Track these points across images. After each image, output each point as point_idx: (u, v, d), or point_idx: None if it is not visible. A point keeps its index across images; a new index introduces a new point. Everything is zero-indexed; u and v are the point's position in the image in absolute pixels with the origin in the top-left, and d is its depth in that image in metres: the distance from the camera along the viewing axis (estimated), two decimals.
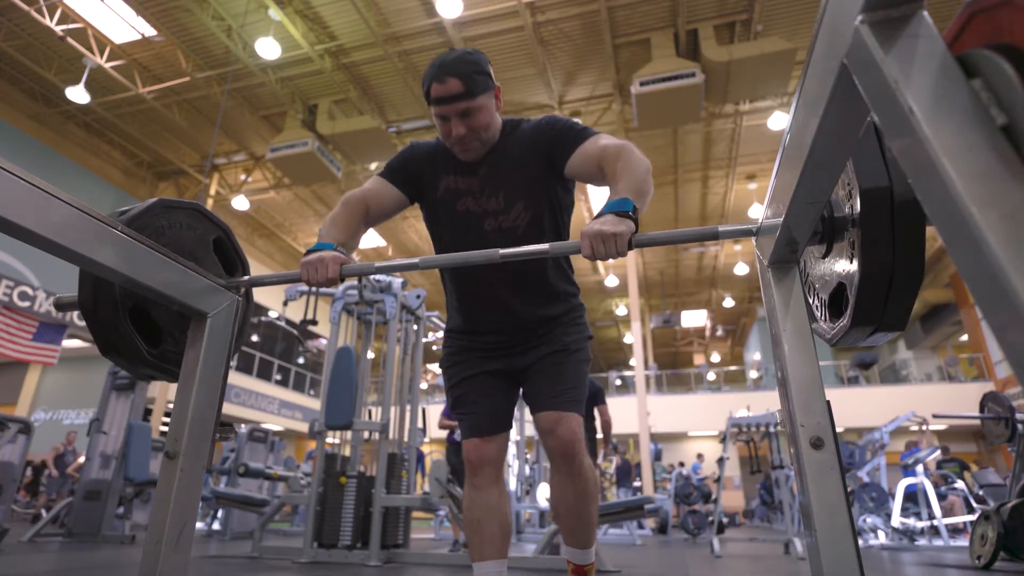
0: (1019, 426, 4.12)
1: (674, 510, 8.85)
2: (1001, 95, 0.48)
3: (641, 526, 7.34)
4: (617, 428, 12.43)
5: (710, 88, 9.00)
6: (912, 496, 6.08)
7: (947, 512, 6.70)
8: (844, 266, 0.95)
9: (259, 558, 3.82)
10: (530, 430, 6.97)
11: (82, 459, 6.53)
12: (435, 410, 10.70)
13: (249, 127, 11.24)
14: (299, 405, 15.98)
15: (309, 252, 1.28)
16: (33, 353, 9.07)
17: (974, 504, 6.94)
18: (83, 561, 3.51)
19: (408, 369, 4.59)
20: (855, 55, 0.58)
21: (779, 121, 9.79)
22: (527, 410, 5.48)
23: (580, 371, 1.49)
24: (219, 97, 10.01)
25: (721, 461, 5.78)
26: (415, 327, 4.71)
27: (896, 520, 5.59)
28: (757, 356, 19.36)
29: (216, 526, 6.82)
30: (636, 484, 10.12)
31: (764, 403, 12.33)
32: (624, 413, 12.31)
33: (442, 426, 4.76)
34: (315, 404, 15.69)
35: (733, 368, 20.92)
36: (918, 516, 5.90)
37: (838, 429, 1.02)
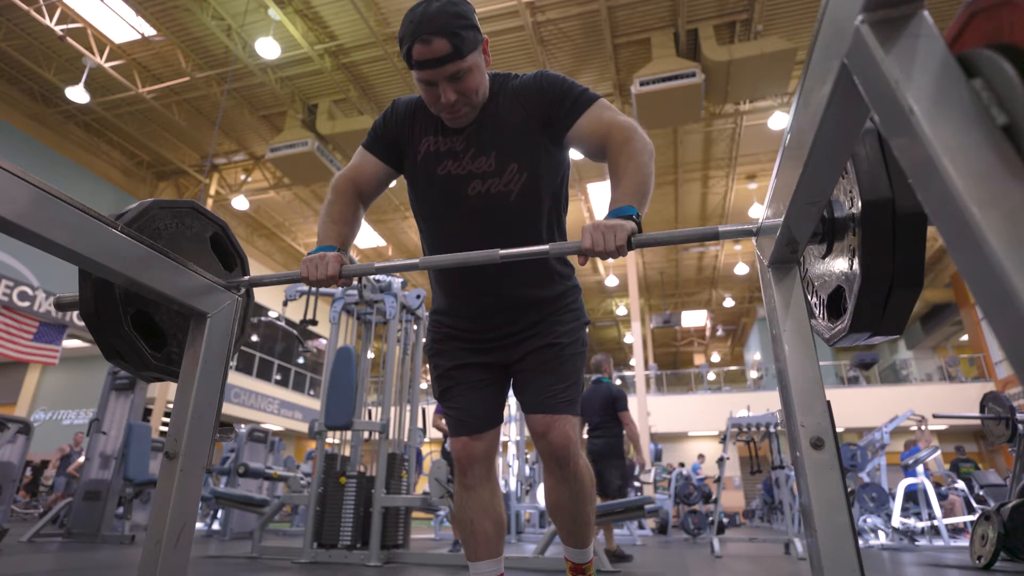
0: (1019, 426, 4.12)
1: (674, 510, 8.85)
2: (1002, 95, 0.48)
3: (641, 526, 7.34)
4: None
5: (710, 88, 9.00)
6: (912, 496, 6.08)
7: (947, 512, 6.70)
8: (843, 268, 0.94)
9: (259, 558, 3.82)
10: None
11: (82, 459, 6.53)
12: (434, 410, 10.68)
13: (249, 127, 11.24)
14: (299, 405, 15.99)
15: (310, 254, 1.25)
16: (33, 353, 9.07)
17: (974, 504, 6.94)
18: (83, 561, 3.51)
19: (408, 369, 4.59)
20: (855, 55, 0.58)
21: (779, 121, 9.79)
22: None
23: (575, 366, 1.39)
24: (219, 97, 10.01)
25: (721, 461, 5.78)
26: (415, 327, 4.70)
27: (896, 520, 5.59)
28: (757, 356, 19.37)
29: (216, 526, 6.82)
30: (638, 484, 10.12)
31: (764, 403, 12.34)
32: None
33: (436, 426, 4.72)
34: (315, 404, 15.69)
35: (733, 368, 20.93)
36: (918, 516, 5.90)
37: (838, 429, 1.02)
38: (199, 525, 6.94)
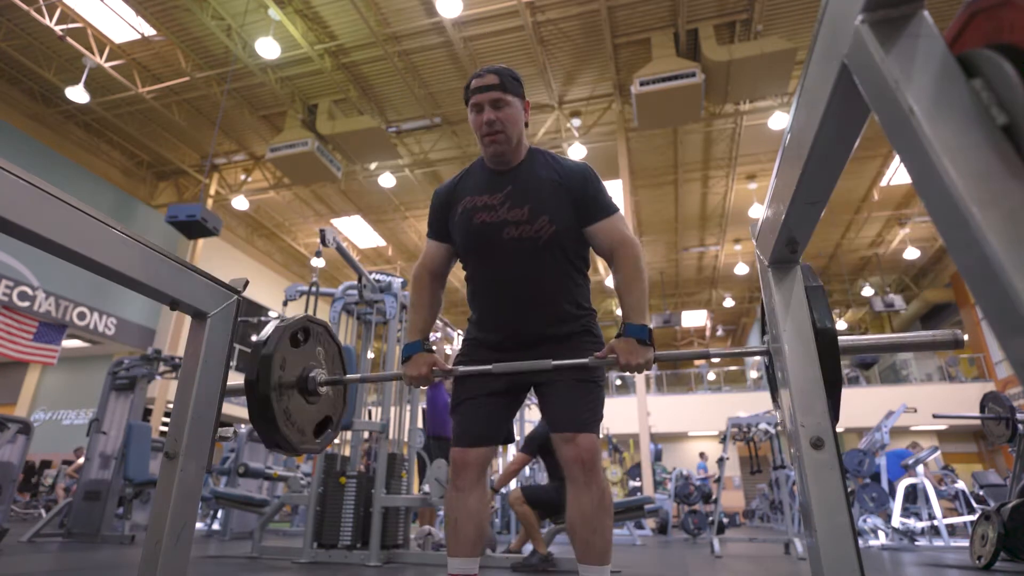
0: (1019, 426, 4.12)
1: (674, 510, 8.85)
2: (1002, 95, 0.48)
3: (641, 526, 7.34)
4: (617, 428, 12.45)
5: (710, 88, 9.00)
6: (912, 496, 6.08)
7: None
8: None
9: (259, 558, 3.82)
10: (529, 430, 6.96)
11: (82, 459, 6.53)
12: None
13: (249, 127, 11.24)
14: None
15: (405, 359, 1.54)
16: (33, 353, 9.06)
17: (974, 504, 6.94)
18: (83, 561, 3.51)
19: None
20: (855, 55, 0.58)
21: (779, 121, 9.79)
22: (528, 411, 5.46)
23: (599, 394, 1.55)
24: (219, 97, 10.01)
25: (721, 461, 5.78)
26: None
27: (896, 520, 5.59)
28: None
29: (216, 526, 6.82)
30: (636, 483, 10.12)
31: (764, 403, 12.33)
32: (624, 413, 12.31)
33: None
34: None
35: (733, 368, 20.92)
36: (918, 516, 5.90)
37: (838, 429, 1.02)
38: (199, 525, 6.94)
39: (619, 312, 1.51)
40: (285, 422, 1.39)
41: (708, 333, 20.79)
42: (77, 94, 9.20)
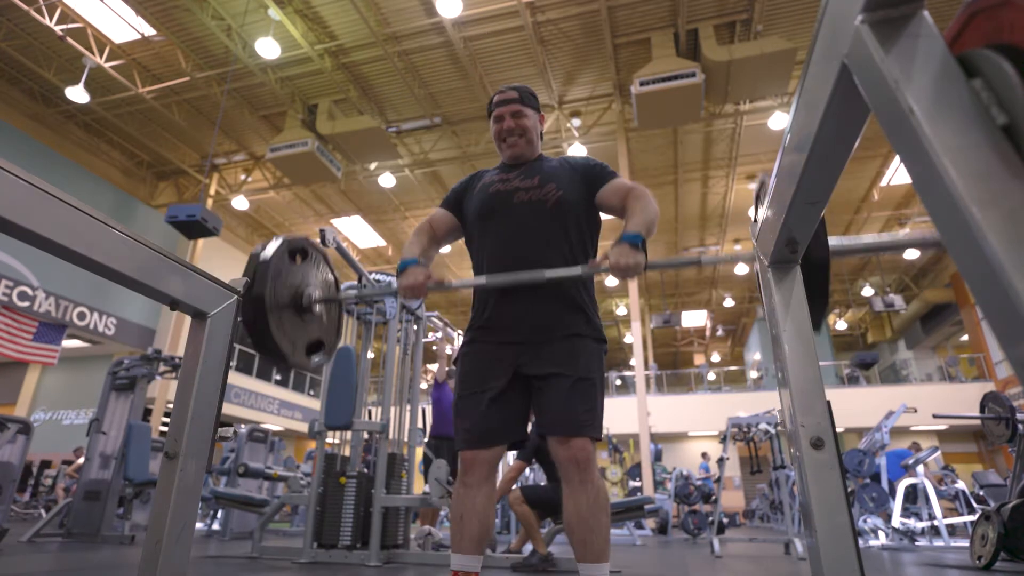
0: (1019, 426, 4.12)
1: (674, 510, 8.84)
2: (1001, 95, 0.48)
3: (641, 526, 7.34)
4: (617, 428, 12.44)
5: (710, 88, 9.00)
6: (912, 496, 6.08)
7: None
8: None
9: (259, 558, 3.81)
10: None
11: (82, 459, 6.53)
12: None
13: (249, 127, 11.25)
14: (299, 405, 15.99)
15: (400, 271, 1.55)
16: (33, 353, 9.07)
17: (974, 504, 6.93)
18: (83, 561, 3.51)
19: (408, 369, 4.58)
20: (855, 55, 0.58)
21: (779, 121, 9.79)
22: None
23: (596, 393, 1.55)
24: (219, 97, 10.01)
25: (721, 461, 5.78)
26: (415, 327, 4.70)
27: (896, 520, 5.59)
28: (757, 356, 19.36)
29: (216, 526, 6.82)
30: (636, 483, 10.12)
31: (764, 403, 12.32)
32: (624, 413, 12.31)
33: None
34: (315, 404, 15.69)
35: (733, 368, 20.93)
36: (918, 516, 5.90)
37: (838, 429, 1.02)
38: (199, 525, 6.94)
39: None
40: (278, 329, 1.41)
41: (708, 333, 20.79)
42: (77, 94, 9.20)
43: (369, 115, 10.26)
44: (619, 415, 12.82)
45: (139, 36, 9.00)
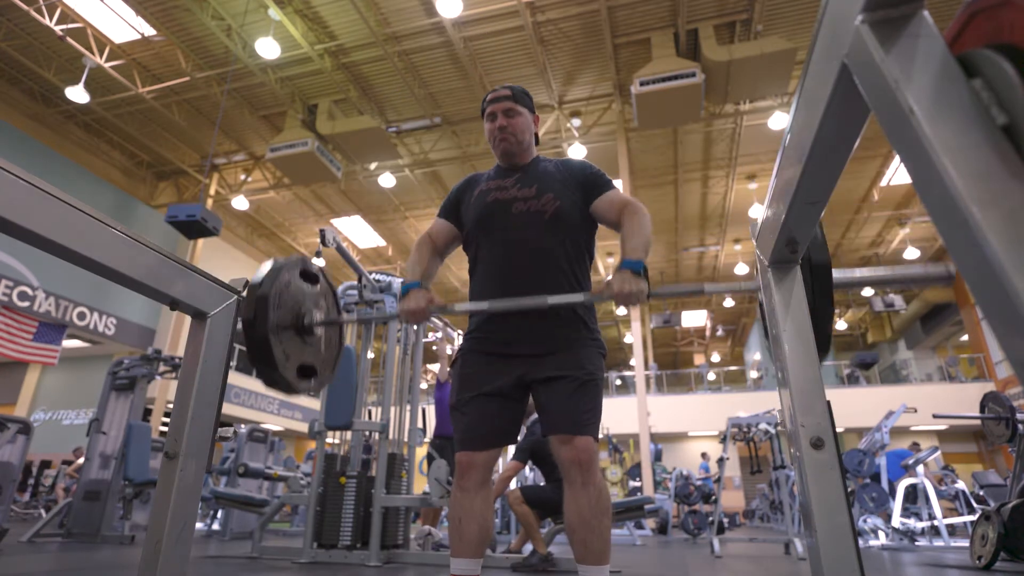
0: (1019, 426, 4.12)
1: (674, 510, 8.84)
2: (1001, 95, 0.48)
3: (641, 526, 7.34)
4: (617, 428, 12.44)
5: (710, 88, 9.00)
6: (912, 496, 6.08)
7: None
8: None
9: (259, 558, 3.81)
10: None
11: (82, 460, 6.53)
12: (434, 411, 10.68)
13: (249, 127, 11.24)
14: (299, 405, 15.99)
15: (403, 295, 1.56)
16: (33, 353, 9.06)
17: (974, 504, 6.93)
18: (83, 561, 3.51)
19: (408, 369, 4.58)
20: (855, 55, 0.58)
21: (779, 121, 9.79)
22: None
23: (596, 395, 1.55)
24: (219, 97, 10.01)
25: (721, 461, 5.78)
26: (415, 327, 4.70)
27: (896, 520, 5.59)
28: (757, 356, 19.36)
29: (216, 526, 6.82)
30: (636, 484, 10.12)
31: (764, 403, 12.32)
32: (624, 413, 12.31)
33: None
34: (315, 404, 15.69)
35: (733, 368, 20.93)
36: (918, 516, 5.90)
37: (838, 429, 1.02)
38: (199, 525, 6.94)
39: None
40: (284, 363, 1.40)
41: (708, 333, 20.79)
42: (77, 94, 9.20)
43: (369, 115, 10.26)
44: (619, 415, 12.82)
45: (139, 36, 9.00)
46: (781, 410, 1.05)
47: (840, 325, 19.05)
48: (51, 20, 8.47)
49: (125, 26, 8.79)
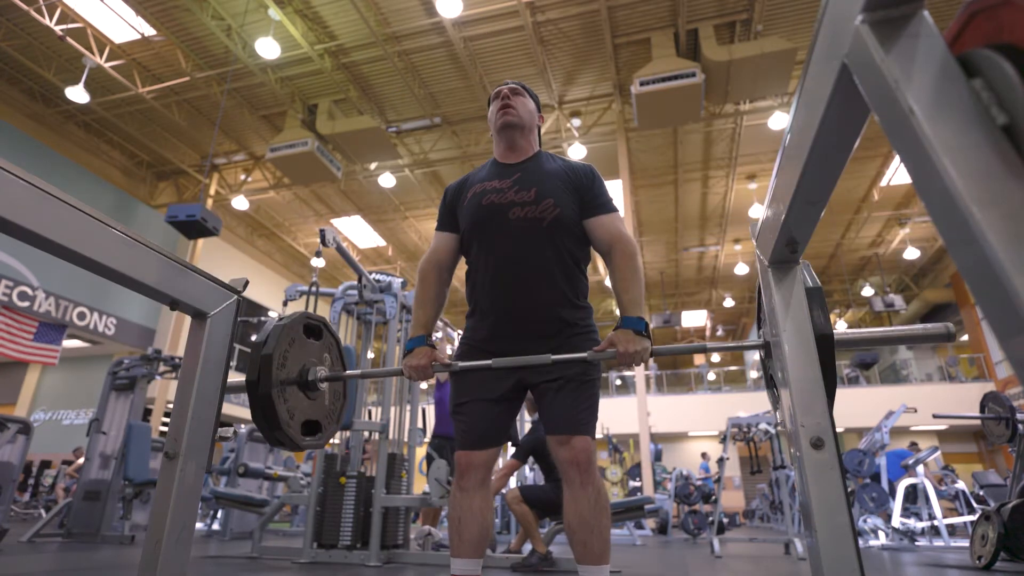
0: (1019, 426, 4.12)
1: (674, 510, 8.84)
2: (1002, 95, 0.48)
3: (641, 526, 7.34)
4: (617, 428, 12.45)
5: (710, 88, 9.00)
6: (912, 496, 6.08)
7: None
8: None
9: (259, 558, 3.82)
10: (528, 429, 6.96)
11: (82, 460, 6.53)
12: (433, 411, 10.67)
13: (249, 127, 11.24)
14: None
15: (407, 352, 1.56)
16: (33, 353, 9.07)
17: (974, 504, 6.93)
18: (83, 561, 3.51)
19: None
20: (855, 55, 0.58)
21: (779, 121, 9.79)
22: (527, 412, 5.41)
23: (593, 393, 1.56)
24: (219, 97, 10.01)
25: (721, 461, 5.78)
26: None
27: (896, 520, 5.59)
28: (757, 356, 19.33)
29: (216, 526, 6.82)
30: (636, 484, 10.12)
31: (764, 403, 12.32)
32: (624, 413, 12.30)
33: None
34: None
35: (733, 368, 20.93)
36: (918, 516, 5.90)
37: (838, 429, 1.02)
38: (199, 525, 6.94)
39: (619, 312, 1.50)
40: (288, 421, 1.39)
41: (708, 333, 20.80)
42: (77, 94, 9.20)
43: (369, 115, 10.26)
44: (619, 415, 12.82)
45: (139, 36, 9.00)
46: (781, 410, 1.05)
47: (840, 325, 19.03)
48: (51, 20, 8.47)
49: (125, 26, 8.79)
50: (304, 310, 1.56)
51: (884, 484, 6.36)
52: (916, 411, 6.78)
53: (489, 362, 1.45)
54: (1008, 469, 8.44)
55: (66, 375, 12.49)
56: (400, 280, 4.47)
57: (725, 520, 8.20)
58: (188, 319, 1.30)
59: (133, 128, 11.20)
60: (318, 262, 5.33)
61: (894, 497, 5.76)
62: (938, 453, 6.39)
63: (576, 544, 1.46)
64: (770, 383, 1.37)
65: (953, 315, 15.82)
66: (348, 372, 1.57)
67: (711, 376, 20.46)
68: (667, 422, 15.25)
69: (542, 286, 1.54)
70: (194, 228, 7.66)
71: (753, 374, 19.31)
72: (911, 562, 4.14)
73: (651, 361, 17.74)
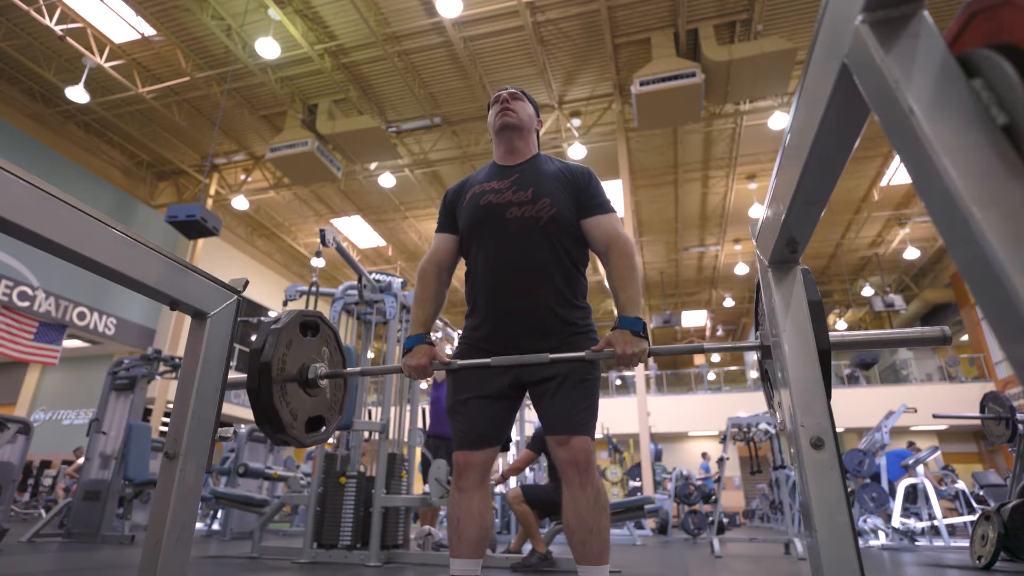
0: (1019, 426, 4.12)
1: (674, 510, 8.84)
2: (1002, 95, 0.48)
3: (641, 526, 7.34)
4: (617, 428, 12.45)
5: (710, 88, 9.00)
6: (912, 496, 6.08)
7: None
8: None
9: (259, 558, 3.82)
10: (529, 430, 6.97)
11: (82, 459, 6.52)
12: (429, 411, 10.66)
13: (249, 127, 11.24)
14: None
15: (406, 351, 1.56)
16: (33, 353, 9.07)
17: (974, 504, 6.93)
18: (83, 561, 3.51)
19: None
20: (855, 55, 0.58)
21: (779, 121, 9.79)
22: (527, 411, 5.46)
23: (593, 392, 1.55)
24: (219, 97, 10.01)
25: (721, 461, 5.78)
26: None
27: (896, 520, 5.59)
28: (756, 356, 19.33)
29: (216, 526, 6.82)
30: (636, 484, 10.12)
31: (764, 403, 12.28)
32: (624, 413, 12.30)
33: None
34: None
35: (733, 368, 20.92)
36: (918, 516, 5.90)
37: (838, 429, 1.02)
38: (199, 525, 6.94)
39: (616, 311, 1.50)
40: (291, 423, 1.40)
41: (708, 333, 20.80)
42: (77, 94, 9.19)
43: (369, 115, 10.26)
44: (619, 415, 12.82)
45: (139, 36, 9.00)
46: (781, 410, 1.05)
47: (840, 325, 19.03)
48: (51, 20, 8.47)
49: (125, 26, 8.79)
50: (298, 310, 1.55)
51: (884, 484, 6.36)
52: (916, 411, 6.78)
53: (488, 360, 1.45)
54: (1008, 469, 8.45)
55: (66, 375, 12.49)
56: (400, 280, 4.47)
57: (725, 520, 8.20)
58: (188, 319, 1.30)
59: (133, 128, 11.20)
60: (318, 262, 5.33)
61: (894, 497, 5.76)
62: (938, 453, 6.39)
63: (575, 544, 1.47)
64: (764, 377, 1.37)
65: (953, 315, 15.82)
66: (348, 369, 1.58)
67: (711, 376, 20.46)
68: (667, 422, 15.25)
69: (540, 285, 1.54)
70: (194, 228, 7.66)
71: (753, 374, 19.31)
72: (911, 562, 4.14)
73: (651, 361, 17.74)
